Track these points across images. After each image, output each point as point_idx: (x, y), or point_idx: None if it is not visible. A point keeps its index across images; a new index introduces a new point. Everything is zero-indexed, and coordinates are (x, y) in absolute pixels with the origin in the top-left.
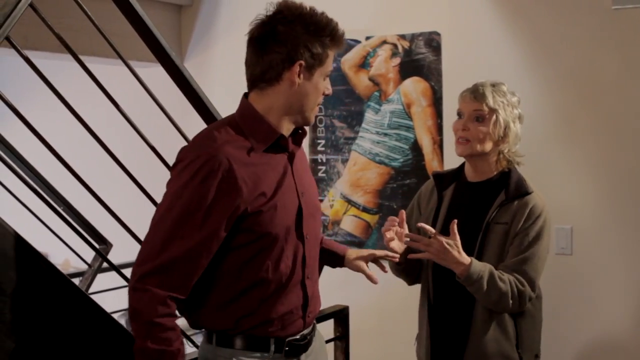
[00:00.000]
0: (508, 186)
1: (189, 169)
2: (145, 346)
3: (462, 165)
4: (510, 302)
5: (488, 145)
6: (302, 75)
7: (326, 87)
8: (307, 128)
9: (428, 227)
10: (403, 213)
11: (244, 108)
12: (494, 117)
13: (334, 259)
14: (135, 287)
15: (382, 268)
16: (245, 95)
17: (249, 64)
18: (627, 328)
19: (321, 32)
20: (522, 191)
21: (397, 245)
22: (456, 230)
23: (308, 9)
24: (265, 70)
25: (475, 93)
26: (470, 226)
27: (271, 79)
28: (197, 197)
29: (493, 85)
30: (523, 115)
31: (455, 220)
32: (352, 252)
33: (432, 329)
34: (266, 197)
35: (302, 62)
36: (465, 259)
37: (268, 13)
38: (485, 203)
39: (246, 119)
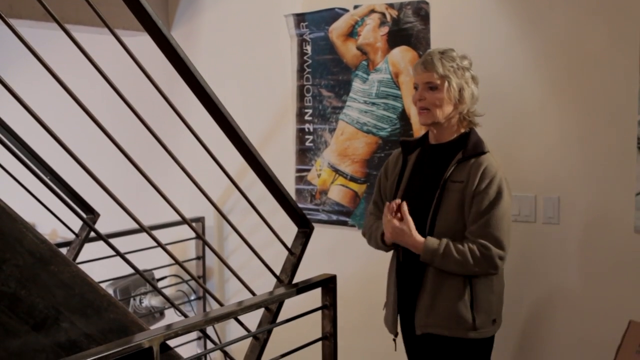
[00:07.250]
0: (466, 145)
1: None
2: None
3: (427, 132)
4: (476, 269)
5: (447, 109)
6: None
7: None
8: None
9: (396, 201)
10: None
11: None
12: (446, 83)
13: None
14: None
15: None
16: None
17: None
18: (614, 296)
19: None
20: (478, 150)
21: None
22: (407, 211)
23: None
24: None
25: (425, 64)
26: (429, 185)
27: None
28: None
29: (442, 52)
30: (477, 76)
31: (405, 202)
32: None
33: (399, 287)
34: None
35: None
36: (419, 240)
37: None
38: (444, 162)
39: None
